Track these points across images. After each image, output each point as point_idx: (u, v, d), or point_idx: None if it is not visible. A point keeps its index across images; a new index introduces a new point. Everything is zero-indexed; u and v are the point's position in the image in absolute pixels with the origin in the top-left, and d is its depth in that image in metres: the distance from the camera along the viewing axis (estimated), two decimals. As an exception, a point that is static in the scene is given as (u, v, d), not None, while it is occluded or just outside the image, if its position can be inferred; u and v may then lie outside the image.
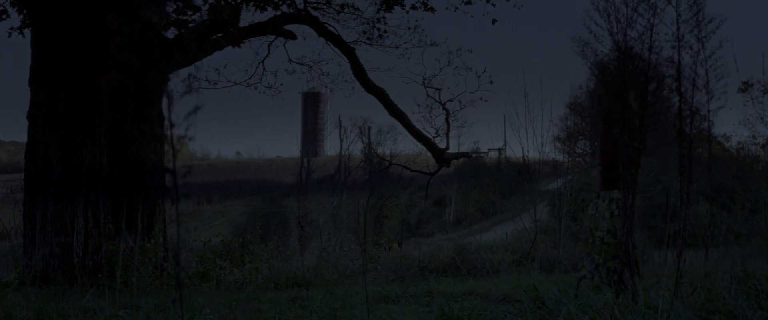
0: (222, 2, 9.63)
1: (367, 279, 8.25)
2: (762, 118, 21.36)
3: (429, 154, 12.31)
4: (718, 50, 3.12)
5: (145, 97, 8.74)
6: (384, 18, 12.11)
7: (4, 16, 10.29)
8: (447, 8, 12.01)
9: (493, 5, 11.80)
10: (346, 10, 11.89)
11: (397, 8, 11.73)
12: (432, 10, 11.66)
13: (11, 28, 10.77)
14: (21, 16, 10.16)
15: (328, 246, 10.37)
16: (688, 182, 3.04)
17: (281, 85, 19.03)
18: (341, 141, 45.18)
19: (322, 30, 10.96)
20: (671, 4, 3.02)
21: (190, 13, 9.81)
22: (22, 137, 8.88)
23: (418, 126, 11.85)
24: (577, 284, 5.04)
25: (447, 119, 12.41)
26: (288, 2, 10.97)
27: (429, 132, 12.12)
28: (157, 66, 8.81)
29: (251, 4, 10.61)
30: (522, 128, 20.90)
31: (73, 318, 4.64)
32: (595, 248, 5.11)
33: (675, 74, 3.04)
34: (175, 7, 9.73)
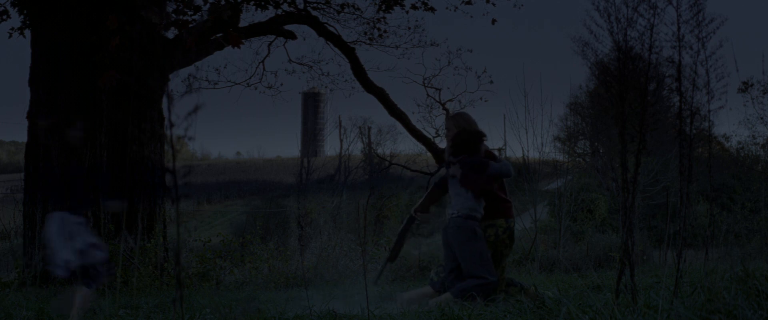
0: (222, 2, 9.63)
1: (367, 279, 8.24)
2: (762, 118, 21.37)
3: (429, 153, 12.31)
4: (718, 50, 3.13)
5: (145, 97, 8.74)
6: (384, 18, 12.12)
7: (5, 17, 10.30)
8: (447, 8, 12.03)
9: (493, 5, 11.82)
10: (346, 10, 11.89)
11: (397, 8, 11.74)
12: (432, 9, 11.67)
13: (12, 29, 10.79)
14: (22, 17, 10.17)
15: (328, 246, 10.36)
16: (688, 182, 3.04)
17: (281, 85, 19.08)
18: (341, 141, 45.17)
19: (322, 30, 10.96)
20: (671, 4, 3.02)
21: (190, 13, 9.82)
22: (22, 137, 8.89)
23: (418, 126, 11.86)
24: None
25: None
26: (288, 1, 10.98)
27: (429, 132, 12.13)
28: (158, 66, 8.81)
29: (252, 3, 10.62)
30: (522, 128, 20.91)
31: (73, 318, 4.63)
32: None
33: (675, 74, 3.04)
34: (175, 7, 9.74)
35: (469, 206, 5.12)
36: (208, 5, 9.92)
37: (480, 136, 5.29)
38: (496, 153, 5.72)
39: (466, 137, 5.27)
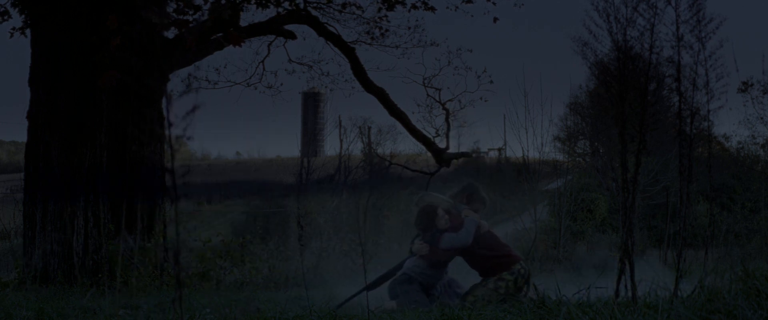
0: (222, 1, 9.63)
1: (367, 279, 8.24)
2: (762, 118, 21.36)
3: (429, 153, 12.31)
4: (718, 50, 3.13)
5: (145, 97, 8.74)
6: (386, 16, 12.10)
7: (6, 17, 10.29)
8: (447, 8, 12.01)
9: (494, 4, 11.79)
10: (347, 10, 11.89)
11: (399, 7, 11.73)
12: (432, 9, 11.66)
13: (13, 29, 10.77)
14: (22, 17, 10.15)
15: (328, 246, 10.37)
16: (688, 182, 3.04)
17: (281, 85, 19.02)
18: (341, 141, 45.14)
19: (321, 30, 10.96)
20: (671, 4, 3.02)
21: (190, 12, 9.82)
22: (22, 137, 8.89)
23: (418, 126, 11.85)
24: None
25: (447, 119, 12.41)
26: (288, 0, 10.98)
27: (429, 132, 12.11)
28: (157, 66, 8.81)
29: (252, 2, 10.61)
30: (522, 128, 20.82)
31: (73, 318, 4.63)
32: None
33: (675, 74, 3.04)
34: (175, 6, 9.73)
35: (417, 270, 5.64)
36: (208, 5, 9.92)
37: (431, 211, 5.74)
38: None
39: (421, 215, 5.78)
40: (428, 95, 12.63)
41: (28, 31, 9.93)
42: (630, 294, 3.03)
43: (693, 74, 3.07)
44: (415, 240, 5.77)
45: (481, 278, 5.69)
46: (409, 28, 12.51)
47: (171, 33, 9.45)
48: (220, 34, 9.50)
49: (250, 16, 11.72)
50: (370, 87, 11.27)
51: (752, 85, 20.60)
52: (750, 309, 2.87)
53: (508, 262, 5.59)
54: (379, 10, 11.93)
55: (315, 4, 11.57)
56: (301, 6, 11.19)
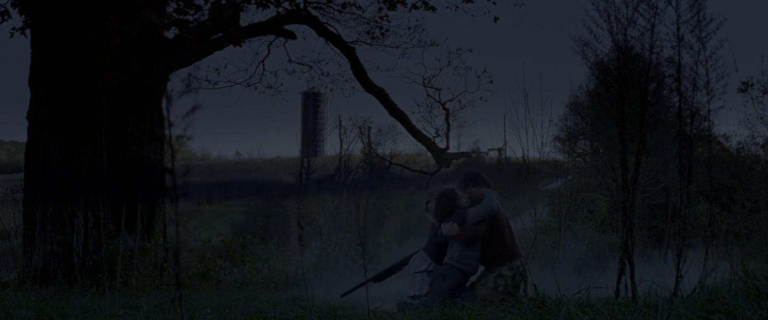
0: (223, 1, 9.63)
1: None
2: (762, 118, 21.36)
3: (429, 153, 12.32)
4: (719, 50, 3.12)
5: (145, 97, 8.74)
6: (386, 16, 12.10)
7: (6, 17, 10.28)
8: (447, 7, 12.01)
9: (494, 3, 11.79)
10: (347, 10, 11.88)
11: (399, 7, 11.73)
12: (432, 9, 11.66)
13: (13, 29, 10.77)
14: (22, 17, 10.15)
15: (328, 246, 10.37)
16: (688, 182, 3.04)
17: (281, 85, 19.01)
18: (341, 141, 45.11)
19: (321, 30, 10.96)
20: (671, 4, 3.02)
21: (190, 12, 9.82)
22: (22, 137, 8.89)
23: (418, 126, 11.86)
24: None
25: (447, 119, 12.43)
26: (288, 0, 10.98)
27: (429, 132, 12.13)
28: (157, 66, 8.82)
29: (252, 2, 10.61)
30: (522, 128, 20.81)
31: (73, 318, 4.63)
32: None
33: (675, 74, 3.04)
34: (175, 6, 9.73)
35: (456, 257, 5.58)
36: (208, 5, 9.91)
37: (451, 194, 5.74)
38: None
39: (442, 200, 5.75)
40: (428, 95, 12.66)
41: (28, 31, 9.92)
42: (630, 294, 3.03)
43: (693, 74, 3.07)
44: (442, 225, 5.71)
45: (482, 268, 5.69)
46: (409, 28, 12.53)
47: (171, 33, 9.46)
48: (220, 34, 9.50)
49: (250, 16, 11.73)
50: (370, 87, 11.27)
51: (752, 85, 20.63)
52: (750, 309, 2.87)
53: (511, 255, 5.62)
54: (380, 10, 11.93)
55: (315, 4, 11.56)
56: (301, 6, 11.18)
